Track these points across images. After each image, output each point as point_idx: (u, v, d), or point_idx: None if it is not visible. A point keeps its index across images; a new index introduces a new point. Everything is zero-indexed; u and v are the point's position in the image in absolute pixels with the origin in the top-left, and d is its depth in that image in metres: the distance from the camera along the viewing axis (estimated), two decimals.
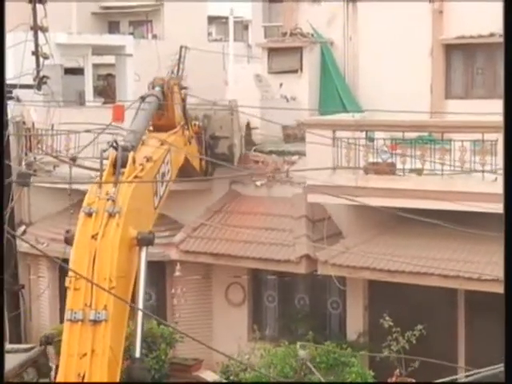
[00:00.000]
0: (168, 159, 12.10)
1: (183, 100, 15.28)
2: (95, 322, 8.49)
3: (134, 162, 10.09)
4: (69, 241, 9.18)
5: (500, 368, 5.04)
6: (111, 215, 9.09)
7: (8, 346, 14.14)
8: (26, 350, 12.47)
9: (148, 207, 10.57)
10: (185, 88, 15.77)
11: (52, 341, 12.55)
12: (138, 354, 9.01)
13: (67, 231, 9.34)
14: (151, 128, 13.45)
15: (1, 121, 13.16)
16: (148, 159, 10.70)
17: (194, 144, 15.96)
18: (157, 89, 13.89)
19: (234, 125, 17.69)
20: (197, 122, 16.71)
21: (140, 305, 9.17)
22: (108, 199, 9.23)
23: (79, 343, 8.42)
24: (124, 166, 9.89)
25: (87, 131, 15.11)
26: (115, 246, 8.93)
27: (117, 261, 8.85)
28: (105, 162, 10.09)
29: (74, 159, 15.52)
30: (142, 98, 13.20)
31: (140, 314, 9.13)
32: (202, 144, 16.85)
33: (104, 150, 10.08)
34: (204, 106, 17.33)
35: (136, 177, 10.02)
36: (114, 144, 10.20)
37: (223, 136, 17.58)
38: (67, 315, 8.60)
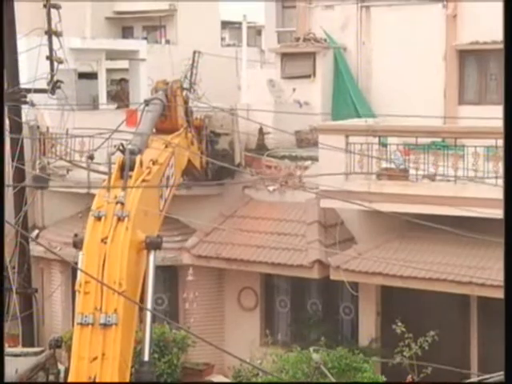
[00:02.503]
0: (172, 162, 12.15)
1: (185, 102, 15.31)
2: (105, 325, 8.48)
3: (141, 165, 10.12)
4: (77, 244, 9.19)
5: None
6: (120, 219, 9.10)
7: (18, 349, 14.16)
8: (35, 354, 12.49)
9: (154, 210, 10.59)
10: (187, 89, 15.78)
11: (61, 344, 12.56)
12: (146, 358, 9.00)
13: (75, 235, 9.37)
14: (154, 131, 13.48)
15: (1, 122, 13.17)
16: (154, 162, 10.75)
17: (195, 144, 15.96)
18: (160, 93, 13.93)
19: (234, 124, 17.70)
20: (198, 116, 16.68)
21: (149, 306, 9.13)
22: (117, 202, 9.24)
23: (90, 347, 8.41)
24: (131, 169, 9.91)
25: (100, 133, 15.13)
26: (125, 249, 8.93)
27: (126, 264, 8.85)
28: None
29: (91, 157, 15.56)
30: (146, 102, 13.20)
31: (149, 317, 9.12)
32: (203, 140, 16.77)
33: (112, 154, 10.09)
34: (205, 108, 17.36)
35: (143, 180, 10.03)
36: (121, 148, 10.22)
37: (224, 133, 17.60)
38: (77, 319, 8.60)
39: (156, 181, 10.76)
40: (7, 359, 7.85)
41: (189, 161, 14.67)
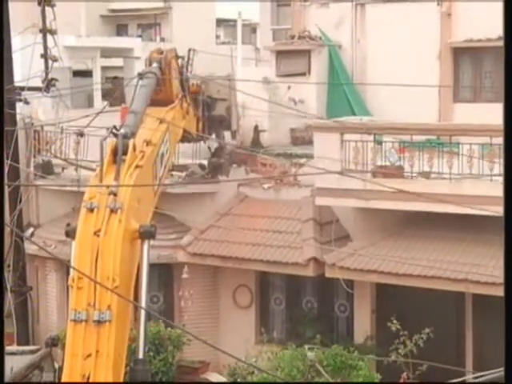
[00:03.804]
0: (167, 138, 11.73)
1: (181, 72, 14.82)
2: (99, 322, 8.33)
3: (134, 149, 9.79)
4: (69, 234, 8.93)
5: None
6: (113, 210, 8.83)
7: (13, 347, 14.12)
8: (31, 352, 12.43)
9: (148, 194, 10.32)
10: (181, 58, 15.19)
11: (57, 342, 12.49)
12: (141, 355, 8.82)
13: (68, 224, 9.09)
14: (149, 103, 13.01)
15: (1, 121, 13.12)
16: (148, 143, 10.39)
17: (191, 112, 15.22)
18: (154, 65, 13.35)
19: (231, 90, 17.19)
20: (195, 82, 16.10)
21: (143, 302, 8.93)
22: (109, 193, 8.94)
23: (83, 344, 8.27)
24: (125, 153, 9.58)
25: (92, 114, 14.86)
26: (118, 243, 8.69)
27: (120, 258, 8.64)
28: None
29: (81, 134, 15.29)
30: (140, 76, 12.60)
31: (143, 312, 8.91)
32: (199, 105, 16.02)
33: (104, 138, 9.77)
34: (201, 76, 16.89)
35: (137, 166, 9.69)
36: (114, 130, 9.88)
37: (221, 98, 17.08)
38: (71, 315, 8.42)
39: (150, 164, 10.39)
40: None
41: (184, 130, 14.19)
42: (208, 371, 17.56)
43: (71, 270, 8.71)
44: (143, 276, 8.99)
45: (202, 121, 15.89)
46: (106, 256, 8.62)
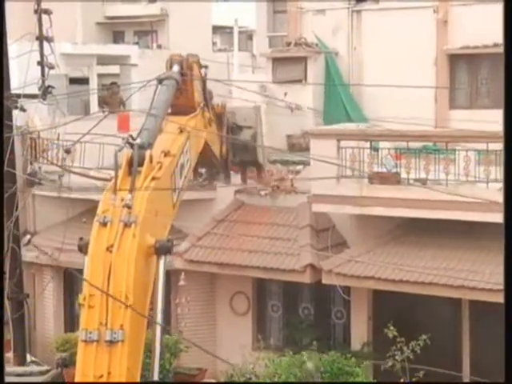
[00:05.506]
0: (187, 147, 11.05)
1: (203, 80, 13.67)
2: (111, 342, 7.91)
3: (151, 160, 9.27)
4: (82, 248, 8.51)
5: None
6: (127, 225, 8.40)
7: (22, 368, 13.90)
8: (41, 373, 12.15)
9: (166, 206, 9.85)
10: (205, 67, 14.57)
11: (68, 363, 12.12)
12: (155, 377, 8.44)
13: (80, 238, 8.62)
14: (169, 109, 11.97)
15: (1, 125, 13.10)
16: (166, 153, 9.82)
17: (214, 128, 14.26)
18: (175, 68, 12.54)
19: (258, 119, 16.85)
20: (220, 103, 15.54)
21: (159, 319, 8.53)
22: (124, 206, 8.51)
23: (95, 365, 7.88)
24: (141, 164, 9.07)
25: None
26: (132, 259, 8.27)
27: (134, 275, 8.23)
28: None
29: (67, 151, 15.19)
30: (160, 81, 11.77)
31: (158, 332, 8.51)
32: (224, 127, 14.97)
33: (119, 149, 9.22)
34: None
35: (153, 178, 9.16)
36: (130, 140, 9.31)
37: (247, 126, 16.67)
38: (81, 335, 7.99)
39: (167, 176, 9.83)
40: (12, 379, 7.45)
41: (207, 146, 13.15)
42: (205, 378, 17.55)
43: (84, 288, 8.39)
44: (158, 294, 8.63)
45: (225, 145, 15.30)
46: (119, 273, 8.22)
